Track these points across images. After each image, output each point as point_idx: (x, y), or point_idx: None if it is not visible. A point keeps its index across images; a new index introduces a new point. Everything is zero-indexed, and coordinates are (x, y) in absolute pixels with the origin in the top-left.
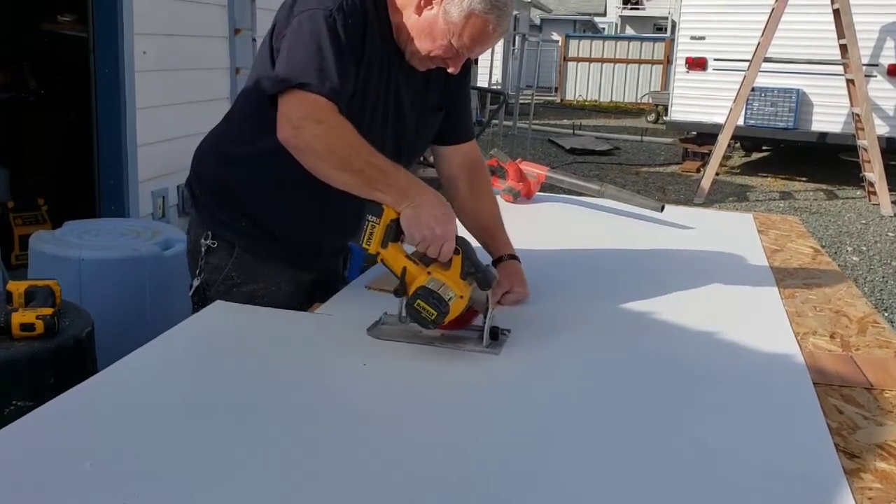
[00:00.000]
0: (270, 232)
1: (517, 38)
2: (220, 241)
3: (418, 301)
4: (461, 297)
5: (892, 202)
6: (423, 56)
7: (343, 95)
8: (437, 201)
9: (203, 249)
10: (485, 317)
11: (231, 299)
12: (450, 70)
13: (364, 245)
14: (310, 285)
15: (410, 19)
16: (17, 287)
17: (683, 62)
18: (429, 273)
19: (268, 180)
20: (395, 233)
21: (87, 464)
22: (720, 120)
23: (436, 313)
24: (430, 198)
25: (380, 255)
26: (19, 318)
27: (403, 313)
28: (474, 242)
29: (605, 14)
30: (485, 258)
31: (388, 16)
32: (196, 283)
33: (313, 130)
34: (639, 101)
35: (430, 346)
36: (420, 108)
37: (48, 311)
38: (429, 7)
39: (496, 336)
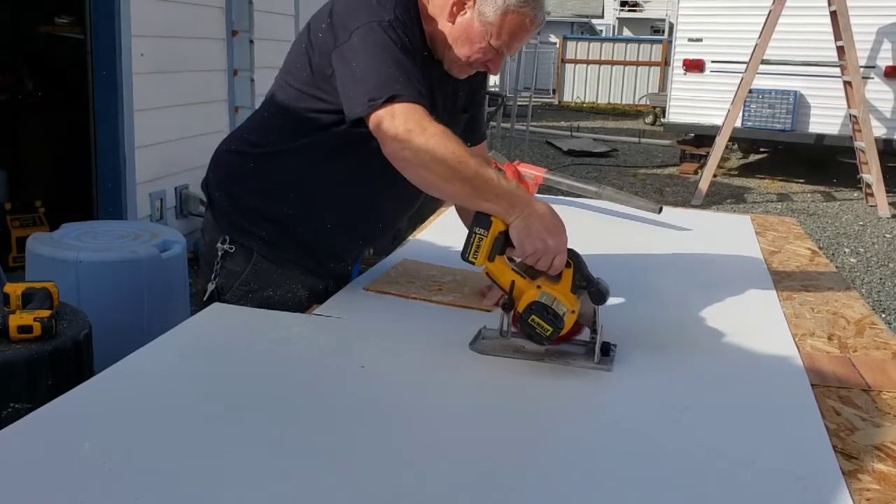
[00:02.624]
0: (297, 237)
1: None
2: (238, 246)
3: (533, 317)
4: (572, 311)
5: (890, 203)
6: (463, 63)
7: (427, 100)
8: (549, 212)
9: (219, 254)
10: (592, 331)
11: (246, 305)
12: (491, 73)
13: (470, 259)
14: (323, 291)
15: (445, 28)
16: (15, 289)
17: (681, 64)
18: (538, 287)
19: (310, 181)
20: (502, 245)
21: (85, 445)
22: (718, 122)
23: (551, 329)
24: (541, 208)
25: (485, 268)
26: (17, 320)
27: (505, 327)
28: None
29: (602, 16)
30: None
31: (421, 24)
32: (211, 287)
33: (420, 140)
34: (636, 103)
35: (539, 362)
36: (450, 112)
37: (45, 313)
38: (462, 13)
39: (607, 351)
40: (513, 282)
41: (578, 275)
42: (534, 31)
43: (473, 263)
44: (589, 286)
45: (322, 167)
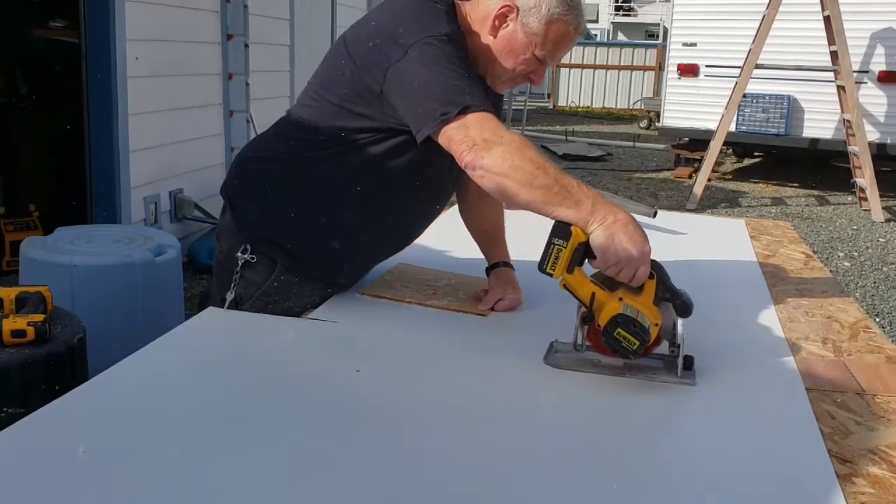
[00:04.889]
0: (324, 247)
1: None
2: (261, 257)
3: (619, 330)
4: (656, 324)
5: (883, 208)
6: (507, 77)
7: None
8: (631, 221)
9: (239, 263)
10: (672, 345)
11: (266, 313)
12: (534, 84)
13: (548, 270)
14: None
15: (487, 41)
16: (8, 293)
17: (675, 68)
18: (620, 299)
19: (342, 191)
20: (581, 256)
21: (80, 450)
22: (712, 126)
23: (638, 343)
24: (623, 217)
25: (563, 280)
26: (10, 324)
27: (580, 341)
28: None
29: (597, 20)
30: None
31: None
32: (230, 297)
33: (498, 150)
34: (631, 108)
35: (620, 377)
36: None
37: (39, 317)
38: (504, 25)
39: (690, 365)
40: (593, 294)
41: (662, 286)
42: (577, 39)
43: (551, 275)
44: (673, 298)
45: (356, 177)
